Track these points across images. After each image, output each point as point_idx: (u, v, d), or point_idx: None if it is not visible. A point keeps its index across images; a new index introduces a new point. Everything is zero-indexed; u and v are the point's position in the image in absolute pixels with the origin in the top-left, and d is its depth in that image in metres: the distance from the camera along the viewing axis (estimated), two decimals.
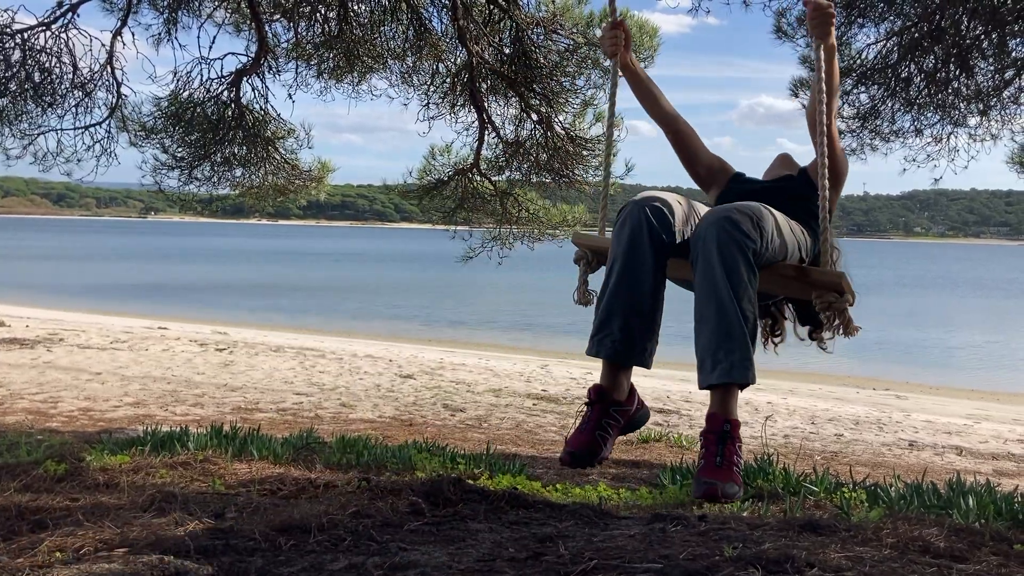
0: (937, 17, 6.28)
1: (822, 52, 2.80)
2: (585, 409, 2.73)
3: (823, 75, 2.81)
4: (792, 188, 3.15)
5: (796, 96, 6.97)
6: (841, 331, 2.79)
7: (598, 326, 2.72)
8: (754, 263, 2.52)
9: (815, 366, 18.29)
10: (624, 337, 2.66)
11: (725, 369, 2.50)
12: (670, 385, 11.99)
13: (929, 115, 6.92)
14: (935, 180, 7.17)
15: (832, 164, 2.91)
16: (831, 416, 10.15)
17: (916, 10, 6.40)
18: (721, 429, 2.51)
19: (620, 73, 3.34)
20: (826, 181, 2.79)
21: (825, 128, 2.81)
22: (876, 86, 6.82)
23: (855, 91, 6.85)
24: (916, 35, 6.46)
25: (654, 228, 2.66)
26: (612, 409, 2.74)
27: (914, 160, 7.10)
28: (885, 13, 6.51)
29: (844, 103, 6.87)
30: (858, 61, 6.74)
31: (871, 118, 6.92)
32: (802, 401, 11.63)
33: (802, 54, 6.74)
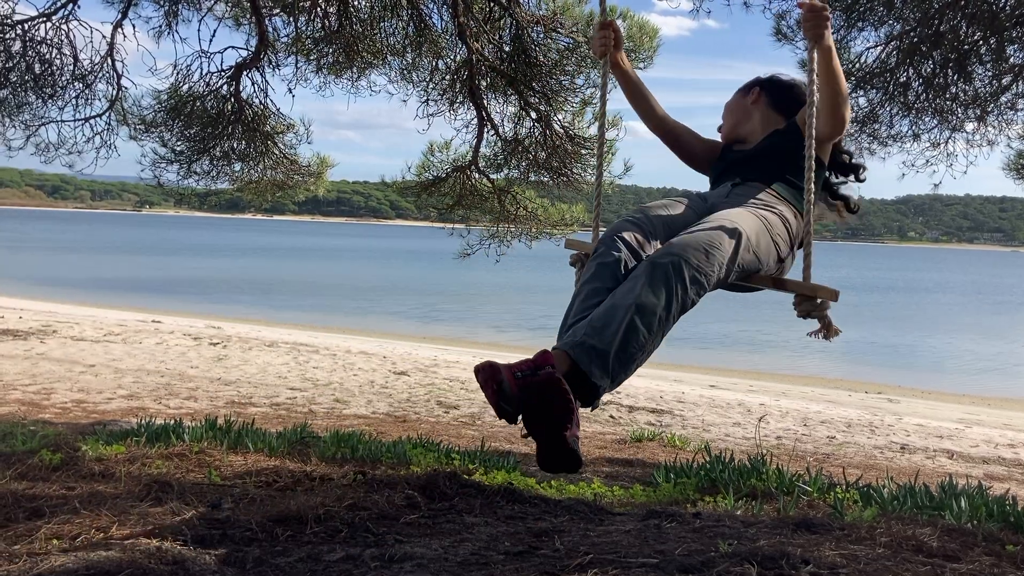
0: (936, 22, 6.30)
1: (815, 53, 2.72)
2: None
3: (824, 78, 2.73)
4: (782, 145, 3.06)
5: None
6: (823, 335, 2.77)
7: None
8: (682, 306, 2.50)
9: (808, 368, 18.36)
10: None
11: (578, 343, 2.39)
12: (663, 385, 12.00)
13: (927, 120, 6.94)
14: (934, 185, 7.19)
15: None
16: (823, 418, 10.18)
17: (915, 15, 6.42)
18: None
19: (610, 73, 3.34)
20: (811, 185, 2.74)
21: (810, 141, 2.74)
22: (875, 90, 6.83)
23: (853, 95, 6.86)
24: (915, 40, 6.48)
25: (622, 262, 2.64)
26: None
27: (913, 165, 7.12)
28: (884, 17, 6.53)
29: None
30: (857, 65, 6.75)
31: (869, 122, 6.94)
32: (794, 403, 11.66)
33: (801, 58, 6.75)
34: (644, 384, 11.80)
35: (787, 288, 2.76)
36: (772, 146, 3.10)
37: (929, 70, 6.70)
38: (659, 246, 2.68)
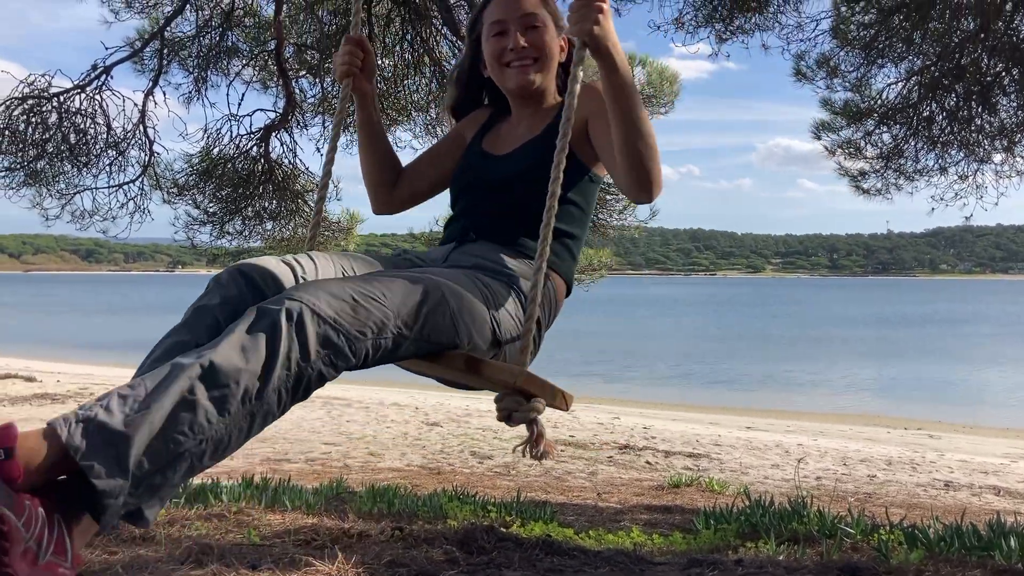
0: (957, 56, 6.32)
1: (585, 52, 1.89)
2: None
3: (611, 102, 1.91)
4: (532, 174, 2.11)
5: (819, 138, 7.02)
6: (530, 451, 1.89)
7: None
8: (297, 378, 1.54)
9: (844, 406, 18.11)
10: None
11: (85, 417, 1.41)
12: (699, 428, 11.89)
13: (953, 153, 6.92)
14: (965, 218, 7.14)
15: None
16: (863, 457, 10.01)
17: (935, 49, 6.45)
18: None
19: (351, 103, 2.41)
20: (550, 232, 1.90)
21: (557, 173, 1.91)
22: (898, 126, 6.84)
23: (877, 131, 6.88)
24: (936, 74, 6.50)
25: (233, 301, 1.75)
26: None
27: (942, 199, 7.09)
28: (904, 53, 6.56)
29: (867, 143, 6.91)
30: (879, 101, 6.78)
31: (895, 157, 6.94)
32: (833, 442, 11.48)
33: (824, 96, 6.79)
34: (680, 428, 11.69)
35: (483, 374, 1.84)
36: (536, 165, 2.14)
37: (953, 103, 6.70)
38: None
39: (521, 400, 1.83)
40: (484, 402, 15.08)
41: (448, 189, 2.43)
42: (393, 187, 2.49)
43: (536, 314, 1.89)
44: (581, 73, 1.92)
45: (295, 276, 1.85)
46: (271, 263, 1.85)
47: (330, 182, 2.62)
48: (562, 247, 2.18)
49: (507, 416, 1.84)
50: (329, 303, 1.59)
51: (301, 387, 1.56)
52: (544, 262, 1.88)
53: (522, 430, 1.89)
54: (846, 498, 7.01)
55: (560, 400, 1.90)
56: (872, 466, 9.37)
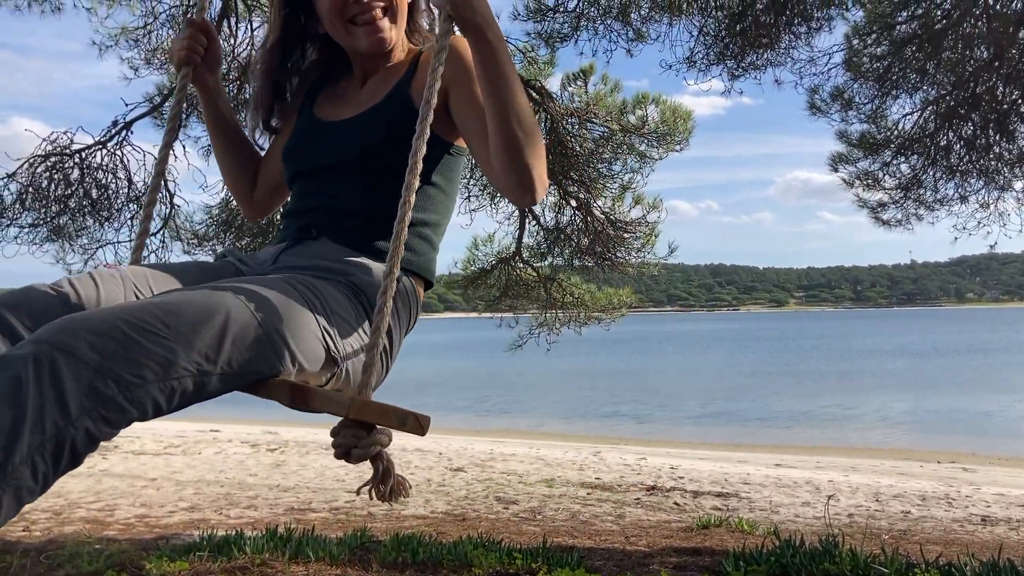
0: (972, 84, 6.30)
1: (451, 26, 1.59)
2: None
3: (486, 85, 1.60)
4: (380, 151, 1.78)
5: (836, 170, 7.00)
6: (377, 490, 1.59)
7: None
8: (56, 443, 1.22)
9: (875, 440, 17.82)
10: None
11: None
12: (728, 467, 11.71)
13: (973, 181, 6.88)
14: (990, 246, 7.08)
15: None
16: (896, 492, 9.81)
17: (950, 79, 6.43)
18: None
19: (195, 93, 2.13)
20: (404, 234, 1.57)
21: (418, 151, 1.57)
22: (916, 156, 6.81)
23: (895, 162, 6.85)
24: (952, 103, 6.47)
25: None
26: None
27: (964, 228, 7.03)
28: (919, 83, 6.55)
29: (885, 174, 6.88)
30: (895, 132, 6.75)
31: (914, 188, 6.90)
32: (864, 478, 11.27)
33: (838, 129, 6.78)
34: (707, 467, 11.52)
35: (313, 406, 1.54)
36: (383, 141, 1.79)
37: (970, 132, 6.67)
38: None
39: (360, 433, 1.52)
40: (508, 445, 14.97)
41: None
42: (262, 190, 2.15)
43: (385, 326, 1.54)
44: (444, 54, 1.60)
45: (70, 306, 1.48)
46: (32, 292, 1.48)
47: (161, 184, 2.26)
48: (420, 239, 1.85)
49: (345, 453, 1.54)
50: (91, 342, 1.24)
51: (64, 453, 1.24)
52: (396, 267, 1.55)
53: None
54: (880, 536, 6.86)
55: (413, 424, 1.55)
56: (906, 502, 9.18)
